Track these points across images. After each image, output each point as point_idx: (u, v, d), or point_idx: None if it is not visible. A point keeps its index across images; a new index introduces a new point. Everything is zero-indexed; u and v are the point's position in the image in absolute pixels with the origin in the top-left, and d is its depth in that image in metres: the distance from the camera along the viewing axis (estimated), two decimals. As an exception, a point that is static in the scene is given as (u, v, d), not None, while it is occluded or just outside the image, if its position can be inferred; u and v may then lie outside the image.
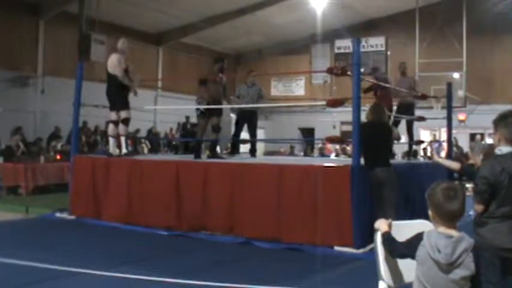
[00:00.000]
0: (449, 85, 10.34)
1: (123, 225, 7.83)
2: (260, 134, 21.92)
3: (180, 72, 21.12)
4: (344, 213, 6.34)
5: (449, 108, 10.10)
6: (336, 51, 22.77)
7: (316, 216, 6.44)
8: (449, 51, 19.63)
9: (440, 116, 10.50)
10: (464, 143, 19.43)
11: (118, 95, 8.48)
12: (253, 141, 10.12)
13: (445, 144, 13.33)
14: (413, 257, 2.56)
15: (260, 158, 11.30)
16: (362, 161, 6.57)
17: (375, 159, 6.47)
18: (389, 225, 2.75)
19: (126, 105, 8.58)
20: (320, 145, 19.99)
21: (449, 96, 10.16)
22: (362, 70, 7.37)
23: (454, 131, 10.95)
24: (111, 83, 8.52)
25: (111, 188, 8.27)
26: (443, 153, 14.69)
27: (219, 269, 5.51)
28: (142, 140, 17.13)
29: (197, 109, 8.71)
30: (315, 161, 10.20)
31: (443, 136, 15.91)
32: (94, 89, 10.30)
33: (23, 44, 15.72)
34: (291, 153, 20.68)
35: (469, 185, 9.01)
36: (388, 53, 21.75)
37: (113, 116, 8.64)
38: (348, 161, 7.73)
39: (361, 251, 6.18)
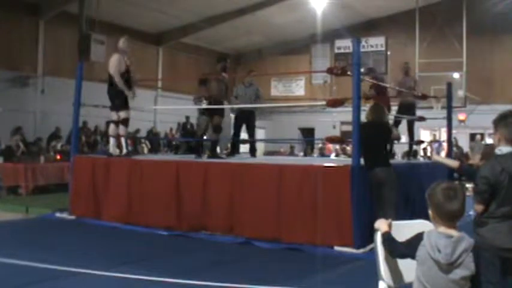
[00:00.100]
0: (449, 85, 10.33)
1: (123, 225, 7.82)
2: (260, 134, 22.04)
3: (180, 72, 21.13)
4: (344, 213, 6.34)
5: (449, 108, 10.10)
6: (336, 51, 22.76)
7: (316, 216, 6.44)
8: (449, 51, 19.63)
9: (440, 116, 10.50)
10: (464, 143, 19.44)
11: (117, 95, 8.47)
12: (252, 141, 10.11)
13: (445, 144, 13.33)
14: (413, 257, 2.56)
15: (260, 158, 11.30)
16: (362, 161, 6.57)
17: (375, 159, 6.48)
18: (389, 225, 2.75)
19: (125, 106, 8.56)
20: (320, 145, 20.00)
21: (449, 96, 10.16)
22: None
23: (454, 131, 10.95)
24: (112, 83, 8.52)
25: (111, 188, 8.27)
26: (443, 153, 14.69)
27: (219, 269, 5.50)
28: (142, 140, 17.14)
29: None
30: (315, 161, 10.20)
31: (443, 136, 15.91)
32: (94, 89, 10.31)
33: (23, 44, 15.73)
34: (291, 153, 20.69)
35: (469, 185, 9.01)
36: (388, 53, 21.75)
37: (114, 116, 8.63)
38: (348, 161, 7.72)
39: (361, 251, 6.18)
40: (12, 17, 15.29)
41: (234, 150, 10.08)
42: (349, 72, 6.98)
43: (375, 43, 21.83)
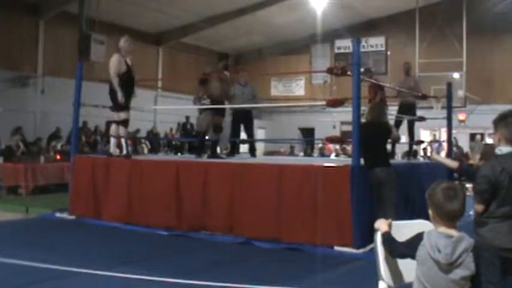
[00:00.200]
0: (449, 85, 10.34)
1: (123, 225, 7.82)
2: (260, 134, 22.07)
3: (180, 72, 21.13)
4: (344, 213, 6.34)
5: (449, 108, 10.10)
6: (336, 51, 22.78)
7: (316, 216, 6.44)
8: (449, 51, 19.64)
9: (440, 116, 10.50)
10: (464, 143, 19.44)
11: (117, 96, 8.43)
12: (251, 141, 10.09)
13: (445, 144, 13.33)
14: (413, 257, 2.56)
15: (260, 158, 11.31)
16: (362, 161, 6.57)
17: (375, 159, 6.48)
18: (389, 225, 2.75)
19: (125, 107, 8.47)
20: (320, 145, 20.00)
21: (449, 96, 10.17)
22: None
23: (454, 131, 10.96)
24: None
25: (111, 188, 8.27)
26: (443, 153, 14.69)
27: (219, 269, 5.50)
28: (142, 140, 17.14)
29: (203, 104, 8.65)
30: (315, 161, 10.20)
31: (443, 136, 15.91)
32: (94, 89, 10.31)
33: (23, 44, 15.73)
34: (291, 153, 20.69)
35: (469, 185, 9.01)
36: (388, 53, 21.76)
37: (115, 116, 8.61)
38: (348, 161, 7.72)
39: (361, 251, 6.18)
40: (12, 17, 15.29)
41: (234, 150, 10.06)
42: (349, 72, 6.98)
43: (375, 43, 21.85)
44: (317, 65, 22.35)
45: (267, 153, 19.66)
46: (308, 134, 23.58)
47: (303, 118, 22.80)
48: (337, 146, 18.36)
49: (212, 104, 8.75)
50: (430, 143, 17.23)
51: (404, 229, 2.76)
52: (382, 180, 6.37)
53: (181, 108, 16.78)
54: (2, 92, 14.70)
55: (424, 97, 10.25)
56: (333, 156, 18.04)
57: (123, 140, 8.77)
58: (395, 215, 5.56)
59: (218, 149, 9.48)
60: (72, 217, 8.54)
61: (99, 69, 14.27)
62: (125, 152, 8.81)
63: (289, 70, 22.36)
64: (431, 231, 2.55)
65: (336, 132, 20.41)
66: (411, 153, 11.59)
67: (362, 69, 7.44)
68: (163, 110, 18.86)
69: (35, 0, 15.93)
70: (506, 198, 3.30)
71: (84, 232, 7.65)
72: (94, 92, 9.94)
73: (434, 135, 20.23)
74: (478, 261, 2.50)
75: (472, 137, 19.98)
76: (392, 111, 9.99)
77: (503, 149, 3.43)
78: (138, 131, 16.82)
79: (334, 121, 20.98)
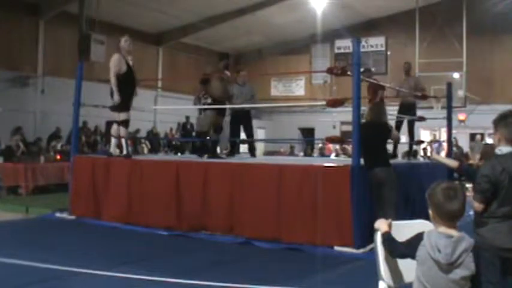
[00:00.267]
0: (449, 85, 10.34)
1: (123, 225, 7.82)
2: (260, 134, 22.06)
3: (180, 72, 21.14)
4: (344, 213, 6.34)
5: (449, 108, 10.11)
6: (336, 51, 22.78)
7: (316, 216, 6.44)
8: (449, 51, 19.64)
9: (440, 116, 10.51)
10: (464, 143, 19.45)
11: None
12: (251, 141, 10.09)
13: (445, 144, 13.33)
14: (413, 257, 2.56)
15: (260, 158, 11.31)
16: (362, 161, 6.57)
17: (375, 159, 6.48)
18: (389, 225, 2.75)
19: (125, 107, 8.45)
20: (320, 145, 20.00)
21: (449, 96, 10.17)
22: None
23: (454, 131, 10.96)
24: None
25: (111, 188, 8.27)
26: (443, 153, 14.69)
27: (219, 269, 5.50)
28: (142, 140, 17.14)
29: (204, 104, 8.64)
30: (315, 161, 10.20)
31: (443, 136, 15.92)
32: (94, 89, 10.31)
33: (23, 44, 15.74)
34: (291, 153, 20.69)
35: (469, 185, 9.01)
36: (388, 53, 21.76)
37: (116, 116, 8.60)
38: (348, 161, 7.72)
39: (361, 251, 6.18)
40: (12, 17, 15.29)
41: (234, 150, 10.05)
42: (349, 72, 6.98)
43: (375, 43, 21.85)
44: (317, 65, 22.35)
45: (267, 153, 19.66)
46: (308, 134, 23.58)
47: (303, 118, 22.80)
48: (337, 146, 18.36)
49: (213, 104, 8.74)
50: (430, 143, 17.24)
51: (404, 229, 2.76)
52: (382, 180, 6.37)
53: (181, 108, 16.78)
54: (2, 92, 14.70)
55: (424, 97, 10.25)
56: (333, 156, 18.03)
57: (123, 140, 8.76)
58: (395, 215, 5.56)
59: (218, 149, 9.47)
60: (72, 217, 8.54)
61: (99, 69, 14.27)
62: (125, 152, 8.81)
63: (289, 70, 22.36)
64: (431, 231, 2.55)
65: (336, 132, 20.42)
66: (411, 153, 11.59)
67: (362, 69, 7.45)
68: (163, 110, 18.86)
69: (35, 0, 15.93)
70: (506, 198, 3.30)
71: (84, 232, 7.65)
72: (94, 92, 9.94)
73: (434, 135, 20.23)
74: (478, 261, 2.50)
75: (472, 137, 19.98)
76: (392, 111, 9.99)
77: (503, 149, 3.43)
78: (138, 131, 16.82)
79: (334, 121, 20.98)
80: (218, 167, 7.65)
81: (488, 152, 3.80)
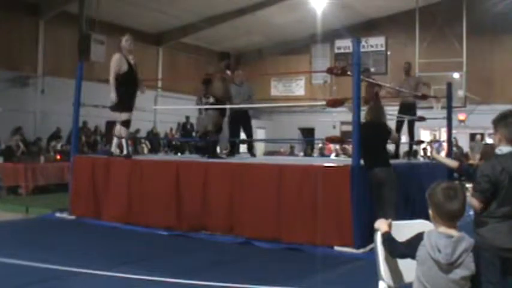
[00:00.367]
0: (449, 85, 10.34)
1: (123, 225, 7.82)
2: (260, 134, 22.06)
3: (180, 72, 21.13)
4: (344, 213, 6.34)
5: (449, 108, 10.11)
6: (336, 51, 22.76)
7: (316, 216, 6.44)
8: (449, 51, 19.63)
9: (440, 116, 10.50)
10: (464, 143, 19.46)
11: (120, 96, 8.38)
12: (251, 140, 10.07)
13: (445, 144, 13.33)
14: (413, 257, 2.56)
15: (260, 158, 11.30)
16: (362, 161, 6.57)
17: (375, 159, 6.48)
18: (390, 225, 2.75)
19: (126, 107, 8.41)
20: (320, 145, 20.00)
21: (449, 96, 10.17)
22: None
23: (454, 131, 10.96)
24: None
25: (111, 188, 8.27)
26: (443, 153, 14.69)
27: (219, 269, 5.50)
28: (142, 140, 17.14)
29: (205, 104, 8.62)
30: (315, 161, 10.20)
31: (443, 136, 15.92)
32: (94, 89, 10.32)
33: (23, 44, 15.73)
34: (291, 153, 20.68)
35: (469, 185, 9.01)
36: (388, 53, 21.74)
37: (117, 116, 8.58)
38: (348, 161, 7.72)
39: (361, 251, 6.18)
40: (12, 17, 15.29)
41: (234, 150, 10.04)
42: (349, 72, 6.98)
43: (375, 43, 21.82)
44: (317, 65, 22.34)
45: (267, 153, 19.66)
46: (308, 134, 23.58)
47: (303, 118, 22.79)
48: (337, 146, 18.36)
49: (216, 104, 8.71)
50: (430, 143, 17.23)
51: (404, 229, 2.76)
52: (382, 180, 6.37)
53: (181, 108, 16.78)
54: (2, 92, 14.70)
55: (424, 97, 10.25)
56: (333, 156, 18.03)
57: (123, 140, 8.76)
58: (395, 215, 5.56)
59: (218, 149, 9.47)
60: (72, 217, 8.53)
61: (99, 69, 14.27)
62: (125, 152, 8.80)
63: (289, 70, 22.35)
64: (431, 231, 2.55)
65: (336, 132, 20.41)
66: (411, 153, 11.59)
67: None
68: (163, 110, 18.85)
69: (35, 0, 15.93)
70: (506, 198, 3.30)
71: (84, 232, 7.65)
72: (94, 92, 9.94)
73: (434, 135, 20.23)
74: (478, 261, 2.50)
75: (472, 137, 19.98)
76: (392, 111, 10.00)
77: (503, 149, 3.43)
78: (138, 131, 16.82)
79: (334, 121, 20.98)
80: (218, 167, 7.65)
81: (488, 152, 3.79)
